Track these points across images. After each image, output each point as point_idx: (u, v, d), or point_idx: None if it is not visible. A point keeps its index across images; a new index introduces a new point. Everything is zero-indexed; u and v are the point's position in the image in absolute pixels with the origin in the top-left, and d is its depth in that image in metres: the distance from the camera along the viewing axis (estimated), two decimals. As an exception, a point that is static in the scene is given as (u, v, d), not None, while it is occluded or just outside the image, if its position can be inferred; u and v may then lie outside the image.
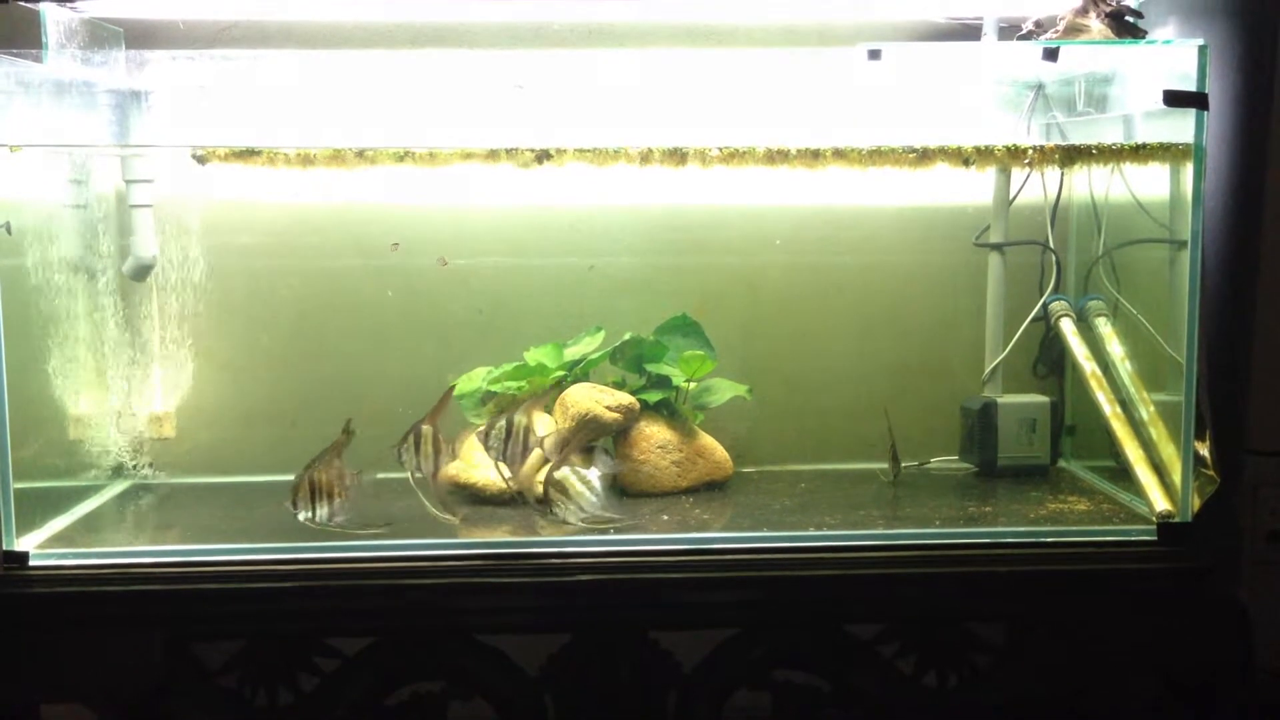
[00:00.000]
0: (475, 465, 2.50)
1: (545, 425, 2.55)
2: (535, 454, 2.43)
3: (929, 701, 2.35)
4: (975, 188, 2.74)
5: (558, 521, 2.33)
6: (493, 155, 2.34)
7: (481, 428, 2.38)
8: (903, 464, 2.69)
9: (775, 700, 2.38)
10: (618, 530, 2.34)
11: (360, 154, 2.34)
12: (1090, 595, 2.27)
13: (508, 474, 2.36)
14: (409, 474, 2.33)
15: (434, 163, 2.35)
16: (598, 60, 2.57)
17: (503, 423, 2.33)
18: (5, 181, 2.28)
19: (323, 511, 2.27)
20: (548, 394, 2.53)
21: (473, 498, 2.49)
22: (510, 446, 2.32)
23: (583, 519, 2.33)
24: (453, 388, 2.36)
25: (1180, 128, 2.29)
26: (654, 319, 2.71)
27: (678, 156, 2.37)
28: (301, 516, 2.28)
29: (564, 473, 2.34)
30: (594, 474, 2.35)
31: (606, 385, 2.62)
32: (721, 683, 2.34)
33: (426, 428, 2.31)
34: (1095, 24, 2.43)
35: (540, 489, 2.37)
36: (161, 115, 2.56)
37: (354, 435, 2.31)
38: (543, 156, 2.33)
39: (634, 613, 2.27)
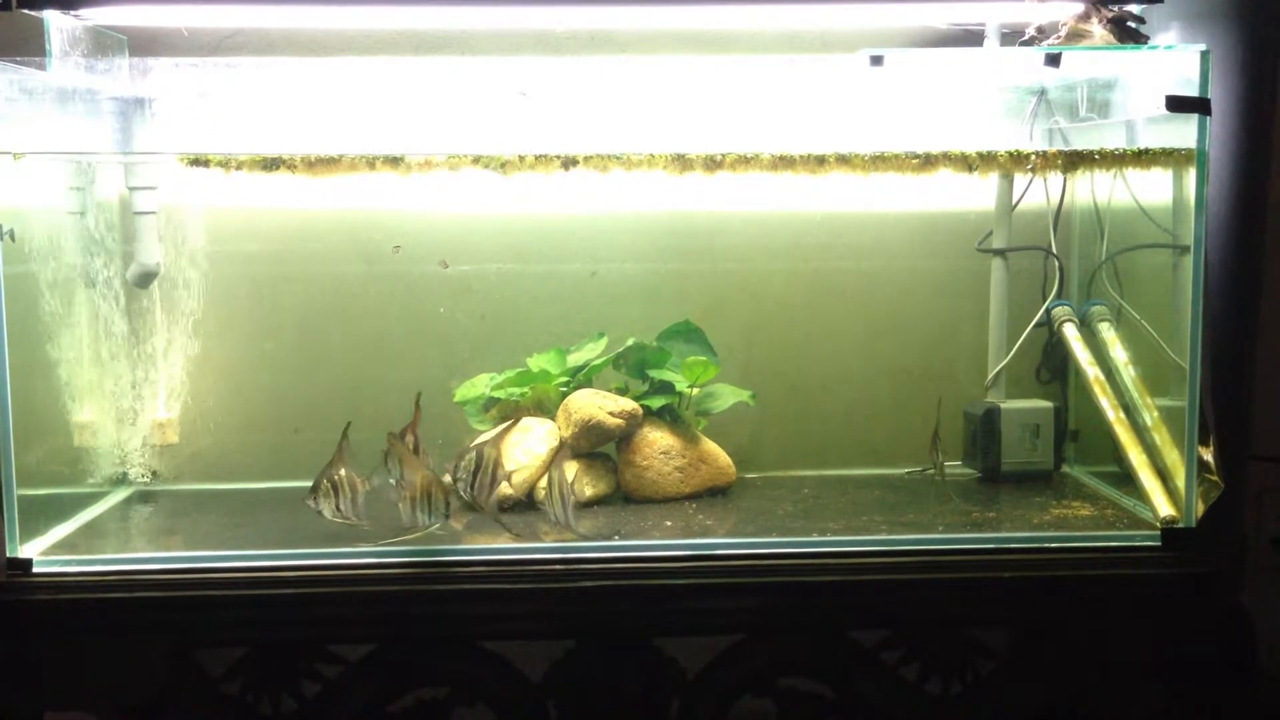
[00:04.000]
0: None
1: (548, 432, 2.55)
2: (542, 454, 2.46)
3: (932, 708, 2.35)
4: (978, 193, 2.74)
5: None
6: (496, 161, 2.34)
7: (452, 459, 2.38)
8: (933, 464, 2.59)
9: (779, 707, 2.37)
10: (621, 536, 2.35)
11: (363, 161, 2.34)
12: (1094, 601, 2.27)
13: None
14: (393, 483, 2.33)
15: (436, 168, 2.35)
16: (600, 67, 2.57)
17: (472, 455, 2.33)
18: (8, 189, 2.29)
19: (346, 505, 2.31)
20: (513, 426, 2.51)
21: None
22: (479, 479, 2.32)
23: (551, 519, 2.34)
24: (420, 394, 2.38)
25: (1183, 133, 2.29)
26: (657, 325, 2.70)
27: (681, 162, 2.37)
28: (328, 512, 2.31)
29: (554, 476, 2.33)
30: (569, 492, 2.33)
31: (609, 391, 2.62)
32: (725, 690, 2.34)
33: (409, 438, 2.33)
34: (1097, 29, 2.43)
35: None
36: (165, 122, 2.56)
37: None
38: (569, 163, 2.33)
39: (637, 619, 2.27)
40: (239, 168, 2.34)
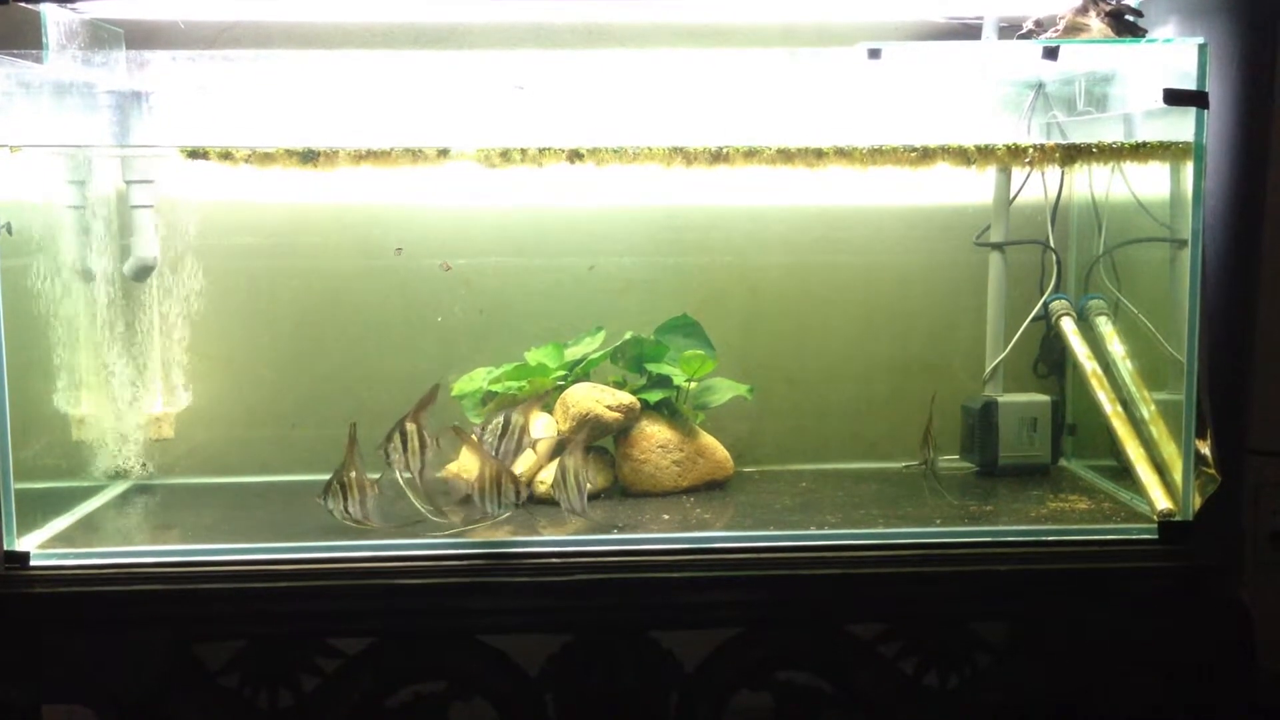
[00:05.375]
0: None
1: (546, 425, 2.56)
2: (542, 446, 2.47)
3: (930, 702, 2.35)
4: (976, 187, 2.74)
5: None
6: (493, 155, 2.34)
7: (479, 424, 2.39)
8: (924, 461, 2.59)
9: (777, 701, 2.38)
10: (619, 529, 2.35)
11: (360, 154, 2.34)
12: (1091, 594, 2.27)
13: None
14: (397, 473, 2.33)
15: (433, 162, 2.35)
16: (597, 61, 2.57)
17: (500, 419, 2.34)
18: (5, 182, 2.28)
19: (355, 508, 2.31)
20: (547, 395, 2.55)
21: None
22: (504, 444, 2.33)
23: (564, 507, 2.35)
24: (437, 386, 2.37)
25: (1180, 126, 2.29)
26: (654, 319, 2.70)
27: (678, 156, 2.37)
28: (338, 513, 2.31)
29: (572, 464, 2.33)
30: (584, 480, 2.35)
31: (607, 385, 2.62)
32: (723, 683, 2.34)
33: (411, 425, 2.31)
34: (1095, 23, 2.43)
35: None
36: (162, 116, 2.55)
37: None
38: (574, 157, 2.33)
39: (635, 613, 2.27)
40: (247, 160, 2.33)
